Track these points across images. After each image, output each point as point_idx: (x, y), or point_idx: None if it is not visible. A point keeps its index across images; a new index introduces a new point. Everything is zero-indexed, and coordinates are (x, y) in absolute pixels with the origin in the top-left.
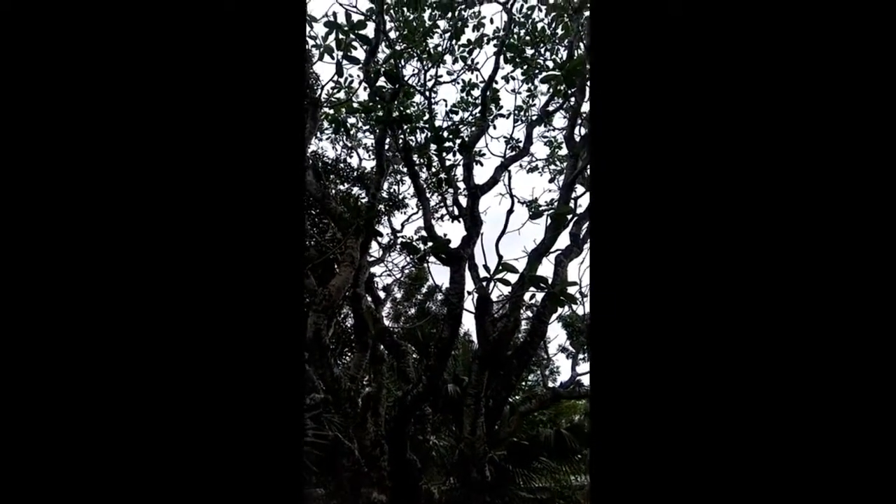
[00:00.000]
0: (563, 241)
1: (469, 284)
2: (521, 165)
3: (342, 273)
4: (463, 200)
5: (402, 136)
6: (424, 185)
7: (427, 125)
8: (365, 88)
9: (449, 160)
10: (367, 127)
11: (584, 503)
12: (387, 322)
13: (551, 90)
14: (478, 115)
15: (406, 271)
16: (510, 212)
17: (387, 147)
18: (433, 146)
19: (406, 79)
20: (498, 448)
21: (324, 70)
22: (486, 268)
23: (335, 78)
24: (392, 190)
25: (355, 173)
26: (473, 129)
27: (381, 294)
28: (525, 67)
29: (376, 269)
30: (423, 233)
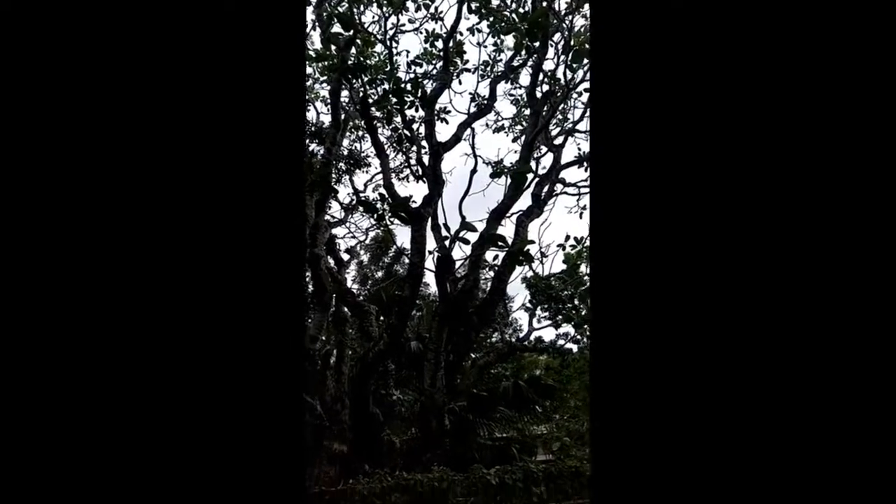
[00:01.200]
0: (526, 201)
1: (431, 244)
2: (486, 125)
3: None
4: (426, 159)
5: (360, 89)
6: (385, 142)
7: (387, 77)
8: (321, 35)
9: (410, 116)
10: (325, 78)
11: (541, 449)
12: (353, 285)
13: (516, 44)
14: (441, 67)
15: (371, 234)
16: (473, 171)
17: (345, 101)
18: (393, 100)
19: (366, 26)
20: (457, 399)
21: None
22: (447, 227)
23: None
24: (353, 147)
25: (312, 128)
26: (436, 83)
27: (345, 256)
28: (491, 19)
29: (339, 231)
30: (384, 191)
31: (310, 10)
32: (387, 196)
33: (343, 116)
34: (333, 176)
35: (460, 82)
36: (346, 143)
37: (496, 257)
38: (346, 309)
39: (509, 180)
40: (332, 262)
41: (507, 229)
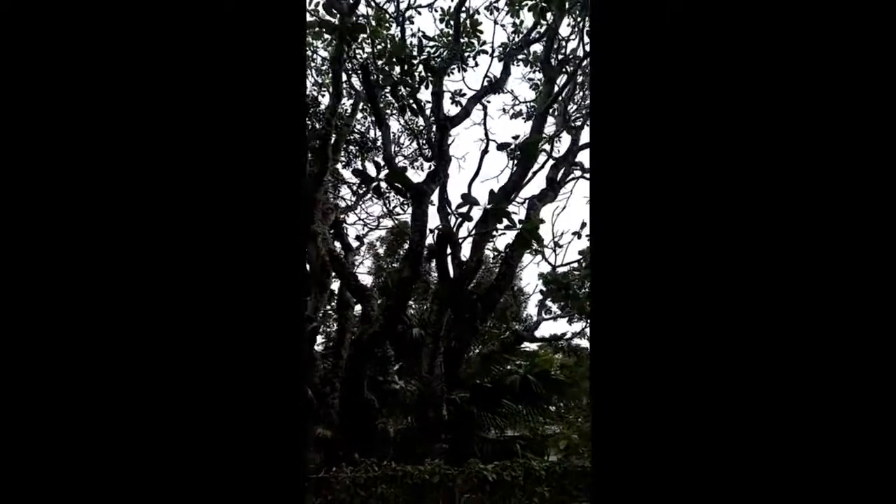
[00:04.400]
0: (540, 185)
1: (437, 225)
2: (503, 110)
3: None
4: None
5: (363, 58)
6: (386, 112)
7: (397, 58)
8: (324, 5)
9: (417, 87)
10: (326, 49)
11: (553, 450)
12: (367, 276)
13: (535, 21)
14: (452, 38)
15: (381, 222)
16: (484, 152)
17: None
18: (397, 68)
19: (381, 5)
20: (459, 390)
21: None
22: (449, 204)
23: None
24: (366, 133)
25: (311, 108)
26: (447, 53)
27: (354, 243)
28: None
29: (350, 218)
30: (381, 162)
31: None
32: (383, 166)
33: (354, 101)
34: (343, 158)
35: (477, 64)
36: (359, 128)
37: (507, 246)
38: (348, 293)
39: (516, 156)
40: (338, 246)
41: (518, 216)
